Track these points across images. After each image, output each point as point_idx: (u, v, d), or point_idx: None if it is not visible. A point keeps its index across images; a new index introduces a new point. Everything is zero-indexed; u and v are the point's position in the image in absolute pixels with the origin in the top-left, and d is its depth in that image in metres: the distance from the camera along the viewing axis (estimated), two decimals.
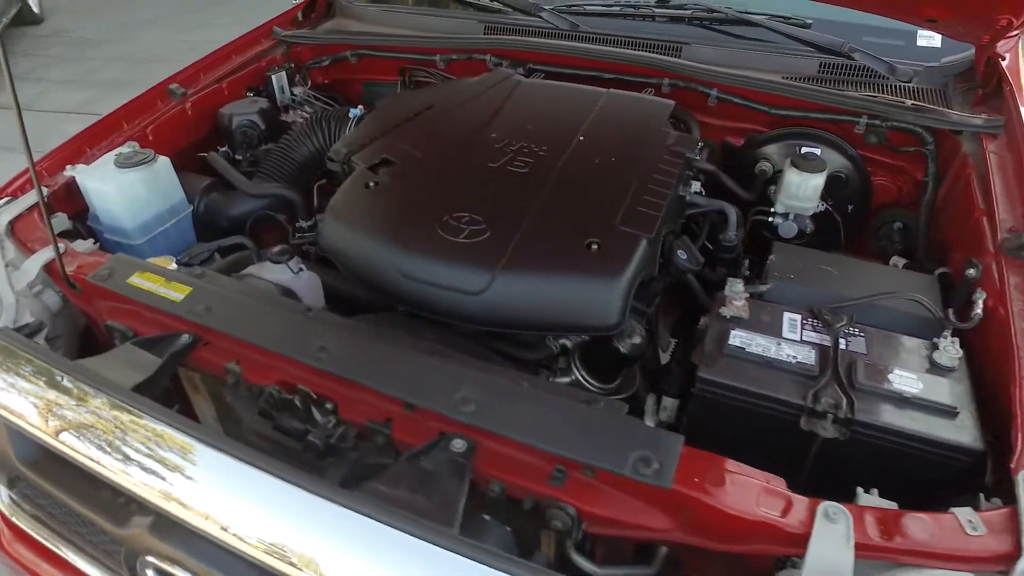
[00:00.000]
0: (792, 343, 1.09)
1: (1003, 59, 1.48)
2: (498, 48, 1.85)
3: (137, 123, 1.72)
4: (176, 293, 1.14)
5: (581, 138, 1.44)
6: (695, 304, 1.47)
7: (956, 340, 1.07)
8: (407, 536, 0.70)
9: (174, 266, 1.31)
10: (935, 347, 1.07)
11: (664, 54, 1.74)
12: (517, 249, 1.19)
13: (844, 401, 0.98)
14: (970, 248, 1.22)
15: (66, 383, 0.94)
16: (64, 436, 0.91)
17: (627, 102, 1.56)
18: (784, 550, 0.80)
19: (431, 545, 0.69)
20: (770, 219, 1.55)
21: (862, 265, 1.32)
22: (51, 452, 0.94)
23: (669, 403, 1.31)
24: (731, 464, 0.87)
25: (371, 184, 1.39)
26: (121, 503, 0.94)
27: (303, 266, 1.36)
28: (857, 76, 1.64)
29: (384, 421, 0.95)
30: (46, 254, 1.31)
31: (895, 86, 1.61)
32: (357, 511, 0.72)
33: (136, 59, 5.85)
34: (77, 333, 1.43)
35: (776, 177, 1.60)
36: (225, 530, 0.76)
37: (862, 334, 1.11)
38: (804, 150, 1.58)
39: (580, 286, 1.16)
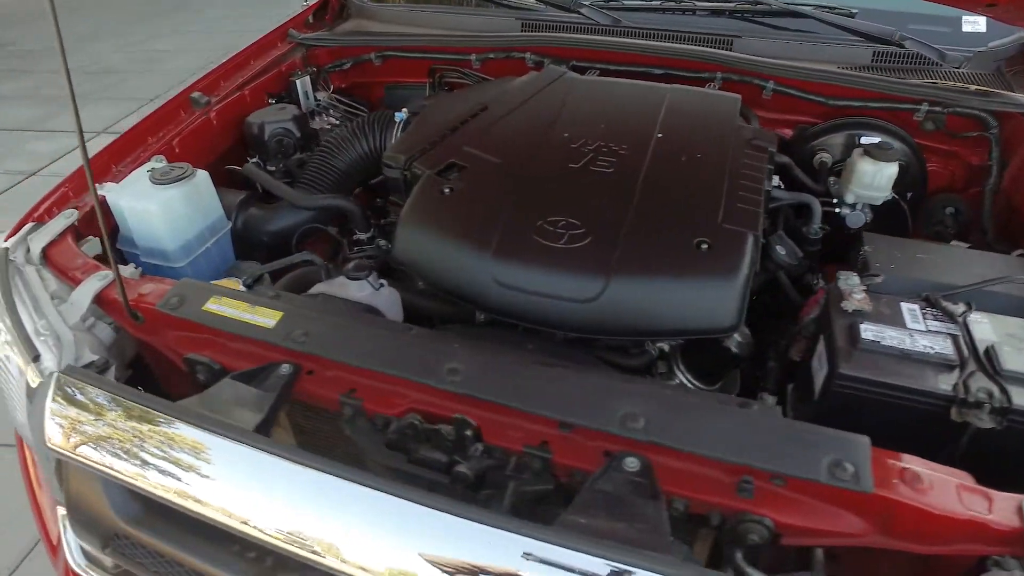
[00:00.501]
0: (923, 333, 1.07)
1: None
2: (540, 46, 1.79)
3: (161, 135, 1.59)
4: (265, 319, 1.04)
5: (659, 135, 1.39)
6: (770, 299, 1.45)
7: None
8: (636, 570, 0.64)
9: (242, 288, 1.21)
10: None
11: (714, 48, 1.71)
12: (625, 253, 1.14)
13: (996, 389, 0.96)
14: None
15: (178, 429, 0.84)
16: (184, 487, 0.80)
17: (695, 97, 1.52)
18: (992, 549, 0.77)
19: None
20: (837, 210, 1.54)
21: (952, 251, 1.32)
22: (161, 507, 0.83)
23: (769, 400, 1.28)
24: (914, 461, 0.83)
25: (446, 190, 1.32)
26: (252, 558, 0.84)
27: (384, 281, 1.27)
28: (908, 64, 1.65)
29: (540, 444, 0.88)
30: (95, 283, 1.19)
31: (947, 72, 1.62)
32: (576, 549, 0.65)
33: (89, 71, 5.53)
34: (125, 365, 1.30)
35: (836, 167, 1.60)
36: None
37: (984, 320, 1.10)
38: (864, 139, 1.58)
39: (696, 288, 1.12)
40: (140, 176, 1.42)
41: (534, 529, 0.67)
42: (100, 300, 1.18)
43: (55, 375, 0.93)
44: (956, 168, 1.64)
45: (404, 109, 1.67)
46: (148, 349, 1.24)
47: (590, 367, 1.14)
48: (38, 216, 1.35)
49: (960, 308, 1.12)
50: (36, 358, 1.07)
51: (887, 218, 1.55)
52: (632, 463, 0.83)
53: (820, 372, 1.13)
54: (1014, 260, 1.25)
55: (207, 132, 1.68)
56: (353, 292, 1.24)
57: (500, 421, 0.91)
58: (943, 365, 1.01)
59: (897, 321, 1.10)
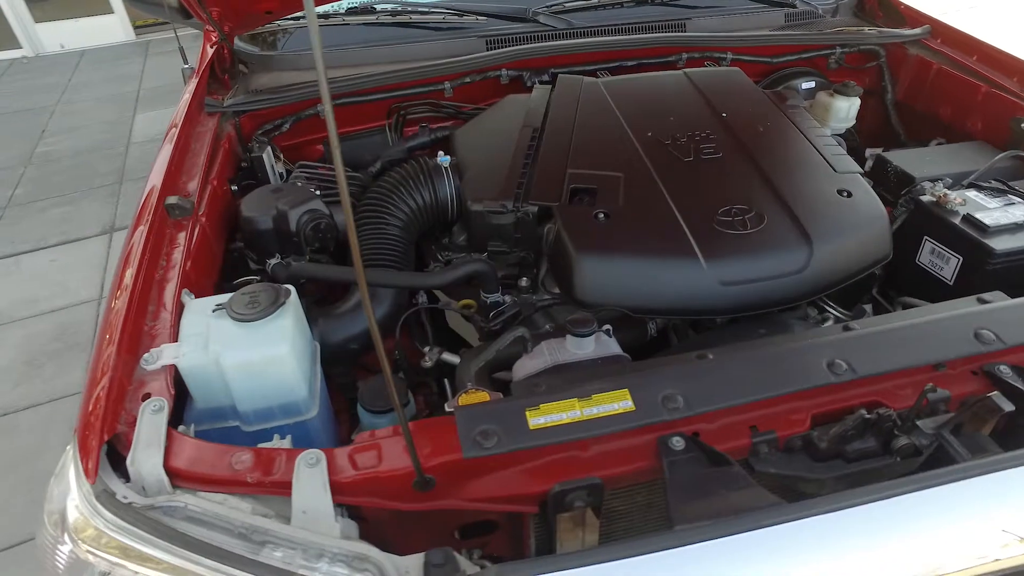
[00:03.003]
0: (1002, 209, 1.37)
1: None
2: (518, 60, 1.72)
3: (164, 264, 1.17)
4: (615, 403, 0.88)
5: (724, 115, 1.49)
6: None
7: None
8: None
9: (492, 396, 0.98)
10: None
11: (667, 32, 1.86)
12: (804, 219, 1.23)
13: None
14: (995, 115, 1.65)
15: None
16: None
17: (710, 77, 1.65)
18: None
19: None
20: None
21: (936, 150, 1.68)
22: None
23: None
24: None
25: (600, 216, 1.24)
26: None
27: (608, 327, 1.15)
28: (803, 20, 2.02)
29: (929, 389, 0.93)
30: (313, 474, 0.85)
31: (827, 21, 2.03)
32: None
33: None
34: None
35: None
36: None
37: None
38: (804, 85, 1.90)
39: (866, 229, 1.26)
40: (207, 321, 1.02)
41: None
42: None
43: None
44: None
45: (440, 152, 1.48)
46: (391, 526, 0.93)
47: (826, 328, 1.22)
48: (99, 430, 0.88)
49: (994, 185, 1.47)
50: None
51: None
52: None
53: (948, 263, 1.38)
54: (975, 145, 1.67)
55: (207, 242, 1.27)
56: (589, 349, 1.10)
57: (885, 388, 0.95)
58: None
59: (981, 207, 1.40)
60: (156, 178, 1.30)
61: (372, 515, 0.88)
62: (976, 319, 1.01)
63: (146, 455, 0.84)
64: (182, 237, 1.21)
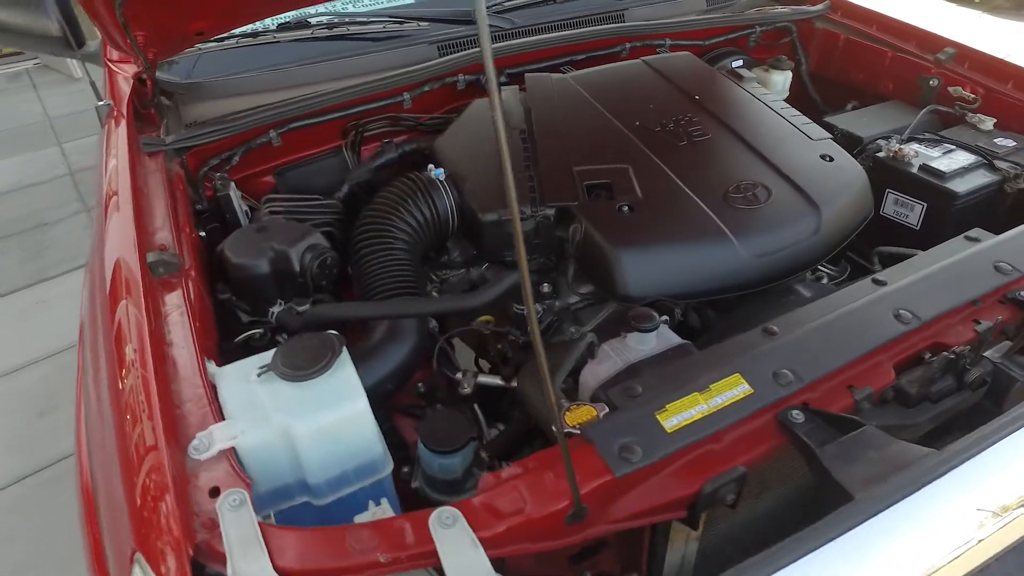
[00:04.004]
0: (944, 156, 1.53)
1: None
2: (472, 64, 1.66)
3: (170, 334, 1.00)
4: (733, 390, 0.88)
5: (696, 97, 1.53)
6: None
7: None
8: None
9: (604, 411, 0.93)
10: None
11: (607, 23, 1.89)
12: (805, 186, 1.29)
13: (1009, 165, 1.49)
14: (903, 76, 1.84)
15: None
16: None
17: (669, 61, 1.69)
18: None
19: None
20: None
21: (864, 111, 1.84)
22: None
23: None
24: None
25: (624, 208, 1.23)
26: None
27: (666, 317, 1.13)
28: (720, 2, 2.13)
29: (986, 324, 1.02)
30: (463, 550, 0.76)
31: (737, 2, 2.16)
32: None
33: None
34: None
35: None
36: None
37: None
38: (734, 63, 2.01)
39: (855, 188, 1.35)
40: (253, 389, 0.89)
41: None
42: None
43: None
44: None
45: (430, 165, 1.39)
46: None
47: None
48: (179, 543, 0.73)
49: (929, 136, 1.64)
50: None
51: None
52: None
53: (913, 211, 1.52)
54: (893, 104, 1.85)
55: (201, 298, 1.10)
56: (654, 343, 1.08)
57: (939, 329, 1.02)
58: (987, 165, 1.50)
59: (930, 157, 1.55)
60: (123, 237, 1.11)
61: (514, 563, 0.80)
62: (991, 253, 1.11)
63: (248, 560, 0.71)
64: (175, 297, 1.04)
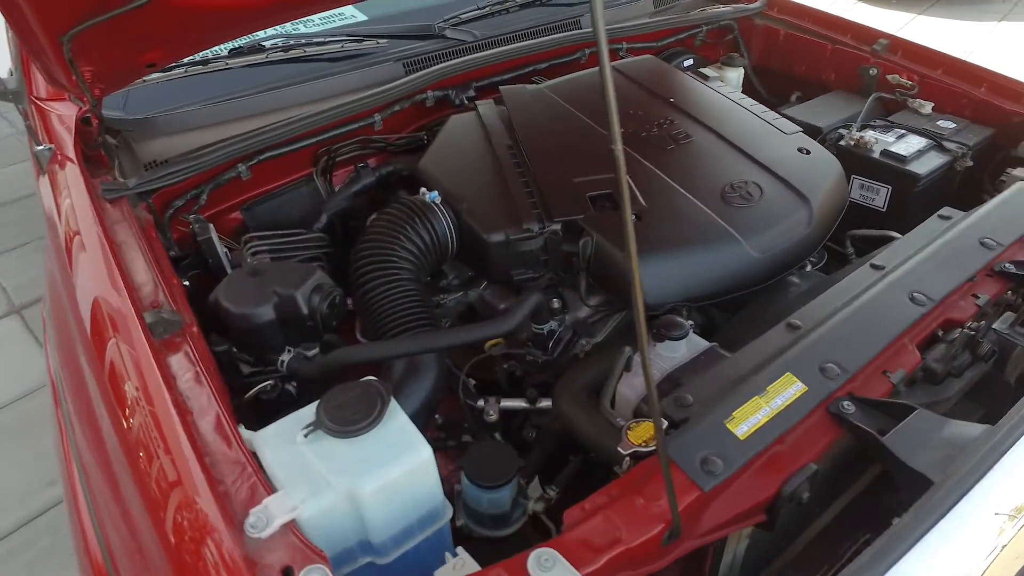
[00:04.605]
0: (899, 140, 1.63)
1: None
2: (441, 80, 1.61)
3: (189, 401, 0.91)
4: (787, 391, 0.89)
5: (671, 100, 1.56)
6: None
7: None
8: None
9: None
10: None
11: (567, 31, 1.88)
12: (795, 181, 1.34)
13: (957, 145, 1.60)
14: (844, 67, 1.94)
15: None
16: None
17: (637, 66, 1.71)
18: None
19: None
20: None
21: (815, 102, 1.93)
22: None
23: None
24: None
25: (633, 217, 1.23)
26: None
27: (692, 321, 1.14)
28: (666, 4, 2.18)
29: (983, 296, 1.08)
30: None
31: (680, 3, 2.22)
32: None
33: None
34: None
35: None
36: None
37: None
38: (685, 62, 2.07)
39: (832, 178, 1.41)
40: (301, 452, 0.81)
41: None
42: None
43: None
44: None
45: (422, 189, 1.33)
46: None
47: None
48: None
49: (880, 123, 1.74)
50: None
51: None
52: None
53: (879, 194, 1.61)
54: (839, 94, 1.95)
55: (206, 356, 1.01)
56: (684, 349, 1.09)
57: (945, 307, 1.07)
58: (937, 147, 1.60)
59: (887, 142, 1.64)
60: (95, 275, 1.01)
61: None
62: (974, 230, 1.19)
63: None
64: (183, 359, 0.94)
